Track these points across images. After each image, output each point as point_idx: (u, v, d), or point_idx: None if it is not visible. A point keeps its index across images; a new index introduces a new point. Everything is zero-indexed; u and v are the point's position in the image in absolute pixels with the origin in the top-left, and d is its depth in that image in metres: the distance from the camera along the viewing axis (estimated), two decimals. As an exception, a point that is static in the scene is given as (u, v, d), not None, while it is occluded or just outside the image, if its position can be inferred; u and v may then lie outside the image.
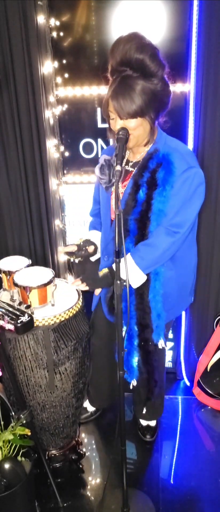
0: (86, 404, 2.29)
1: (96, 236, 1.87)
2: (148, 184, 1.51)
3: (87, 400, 2.28)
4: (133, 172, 1.62)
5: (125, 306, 1.41)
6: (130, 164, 1.66)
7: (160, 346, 1.64)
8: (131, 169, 1.65)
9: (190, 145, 2.11)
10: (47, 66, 2.08)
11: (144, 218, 1.53)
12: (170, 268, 1.64)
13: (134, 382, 1.69)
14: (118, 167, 1.34)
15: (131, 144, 1.54)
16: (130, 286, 1.57)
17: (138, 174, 1.56)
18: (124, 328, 1.45)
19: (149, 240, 1.55)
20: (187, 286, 1.81)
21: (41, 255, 2.42)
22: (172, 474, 1.98)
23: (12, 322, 1.48)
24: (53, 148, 2.24)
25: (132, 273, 1.55)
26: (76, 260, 1.75)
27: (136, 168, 1.62)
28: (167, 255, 1.58)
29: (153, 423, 2.16)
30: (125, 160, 1.64)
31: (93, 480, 1.97)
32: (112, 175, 1.57)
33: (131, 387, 1.69)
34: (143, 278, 1.58)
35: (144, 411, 2.05)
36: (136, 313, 1.63)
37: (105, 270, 1.64)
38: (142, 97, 1.42)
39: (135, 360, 1.67)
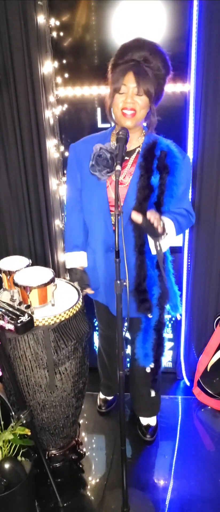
0: (103, 396, 2.37)
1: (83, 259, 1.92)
2: (159, 169, 1.61)
3: (100, 393, 2.38)
4: (138, 161, 1.67)
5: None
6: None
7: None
8: (126, 157, 1.68)
9: (190, 145, 2.11)
10: (47, 66, 2.08)
11: (160, 200, 1.64)
12: None
13: (151, 365, 1.81)
14: (118, 167, 1.35)
15: (131, 124, 1.60)
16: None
17: (147, 162, 1.62)
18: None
19: (177, 212, 1.71)
20: None
21: (41, 255, 2.42)
22: (172, 474, 1.98)
23: (12, 322, 1.48)
24: (53, 148, 2.24)
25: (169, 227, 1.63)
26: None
27: (139, 157, 1.67)
28: (181, 231, 1.74)
29: (153, 422, 2.16)
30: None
31: (93, 480, 1.97)
32: (113, 163, 1.59)
33: (148, 370, 1.83)
34: (174, 236, 1.66)
35: (153, 393, 2.04)
36: (159, 290, 1.74)
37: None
38: (153, 82, 1.58)
39: (151, 348, 1.80)
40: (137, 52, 1.56)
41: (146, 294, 1.71)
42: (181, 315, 1.87)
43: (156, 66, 1.57)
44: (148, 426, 2.15)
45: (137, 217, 1.49)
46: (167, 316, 2.48)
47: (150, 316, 1.74)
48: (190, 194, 2.06)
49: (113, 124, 1.79)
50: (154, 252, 1.63)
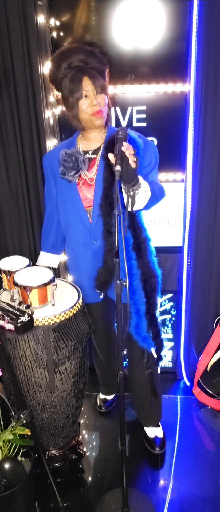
0: (103, 396, 2.37)
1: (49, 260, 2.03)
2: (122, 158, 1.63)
3: (100, 394, 2.38)
4: (101, 153, 1.75)
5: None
6: (90, 152, 1.79)
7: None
8: (93, 156, 1.78)
9: (190, 145, 2.11)
10: (47, 66, 2.08)
11: None
12: None
13: (153, 350, 1.85)
14: (118, 167, 1.35)
15: (103, 121, 1.71)
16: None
17: (109, 151, 1.59)
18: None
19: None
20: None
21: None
22: (172, 473, 1.98)
23: (12, 322, 1.48)
24: (53, 148, 2.24)
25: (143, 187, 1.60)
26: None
27: (102, 149, 1.75)
28: (156, 197, 1.72)
29: (160, 433, 2.12)
30: (81, 151, 1.79)
31: (93, 480, 1.97)
32: (79, 165, 1.71)
33: (154, 355, 1.88)
34: (148, 193, 1.62)
35: (159, 370, 2.07)
36: (142, 281, 1.75)
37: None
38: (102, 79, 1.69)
39: (146, 331, 1.80)
40: (73, 57, 1.65)
41: (107, 275, 1.74)
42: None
43: (95, 65, 1.67)
44: (156, 438, 2.10)
45: (111, 156, 1.47)
46: (167, 316, 2.50)
47: (100, 296, 1.88)
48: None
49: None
50: (128, 205, 1.58)
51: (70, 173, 1.72)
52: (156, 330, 1.84)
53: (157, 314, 1.84)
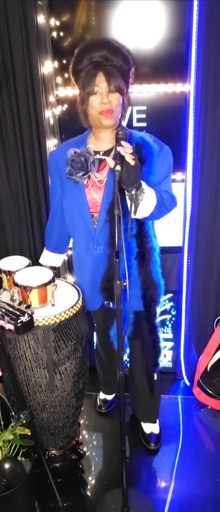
0: (103, 396, 2.37)
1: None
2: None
3: (100, 393, 2.38)
4: (113, 156, 1.65)
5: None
6: (101, 153, 1.72)
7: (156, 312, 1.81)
8: (104, 157, 1.70)
9: (190, 145, 2.11)
10: (47, 66, 2.08)
11: None
12: None
13: (126, 356, 1.83)
14: (117, 167, 1.35)
15: (112, 122, 1.64)
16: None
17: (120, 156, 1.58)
18: None
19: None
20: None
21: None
22: (172, 473, 1.98)
23: (12, 322, 1.48)
24: (53, 148, 2.24)
25: (147, 193, 1.53)
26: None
27: (114, 152, 1.66)
28: (165, 207, 1.66)
29: (156, 430, 2.14)
30: (92, 151, 1.73)
31: (93, 480, 1.97)
32: (88, 166, 1.64)
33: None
34: (154, 201, 1.56)
35: (155, 377, 2.04)
36: (142, 289, 1.72)
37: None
38: (121, 78, 1.63)
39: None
40: (96, 52, 1.60)
41: (110, 283, 1.66)
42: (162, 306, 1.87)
43: (117, 63, 1.61)
44: (152, 434, 2.12)
45: (109, 161, 1.44)
46: (167, 316, 2.50)
47: (111, 305, 1.76)
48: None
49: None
50: (131, 210, 1.49)
51: (78, 174, 1.65)
52: (153, 338, 1.80)
53: (156, 322, 1.80)
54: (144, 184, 1.50)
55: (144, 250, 1.68)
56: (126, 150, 1.37)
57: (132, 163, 1.38)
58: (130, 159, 1.37)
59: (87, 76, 1.60)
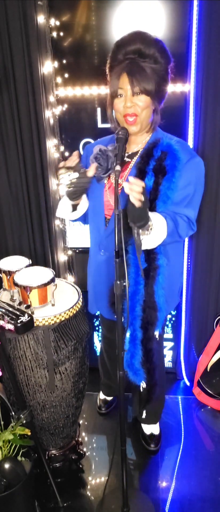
0: (103, 396, 2.37)
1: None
2: (155, 171, 1.50)
3: (101, 393, 2.37)
4: (136, 161, 1.58)
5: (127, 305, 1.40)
6: (126, 155, 1.63)
7: (156, 336, 1.64)
8: (127, 159, 1.63)
9: (190, 145, 2.11)
10: (47, 66, 2.08)
11: (152, 206, 1.50)
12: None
13: (143, 384, 1.64)
14: (118, 167, 1.33)
15: (136, 128, 1.53)
16: (134, 287, 1.56)
17: (143, 162, 1.53)
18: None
19: (171, 215, 1.51)
20: (176, 285, 1.81)
21: (41, 255, 2.42)
22: (172, 473, 1.98)
23: (12, 322, 1.48)
24: (53, 148, 2.24)
25: (158, 222, 1.44)
26: (67, 184, 1.52)
27: (137, 157, 1.59)
28: (178, 235, 1.55)
29: (156, 430, 2.13)
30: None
31: (93, 480, 1.97)
32: (108, 165, 1.52)
33: (141, 389, 1.67)
34: (163, 235, 1.46)
35: (144, 415, 2.03)
36: (142, 308, 1.58)
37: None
38: (153, 79, 1.47)
39: (140, 362, 1.62)
40: (130, 47, 1.48)
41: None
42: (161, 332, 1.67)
43: (152, 57, 1.47)
44: (152, 435, 2.11)
45: (126, 185, 1.29)
46: (167, 316, 2.50)
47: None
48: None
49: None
50: (137, 243, 1.42)
51: (100, 173, 1.54)
52: (148, 367, 1.65)
53: (153, 348, 1.64)
54: (154, 217, 1.39)
55: (149, 267, 1.55)
56: (133, 187, 1.25)
57: (137, 204, 1.27)
58: (135, 200, 1.26)
59: (113, 77, 1.51)
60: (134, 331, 1.60)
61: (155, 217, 1.42)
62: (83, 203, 1.71)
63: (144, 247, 1.44)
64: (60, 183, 1.51)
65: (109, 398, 2.37)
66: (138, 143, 1.62)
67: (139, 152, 1.61)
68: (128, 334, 1.59)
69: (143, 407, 1.99)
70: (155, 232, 1.41)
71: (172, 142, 1.53)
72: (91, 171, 1.48)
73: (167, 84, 1.56)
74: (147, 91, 1.47)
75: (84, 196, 1.68)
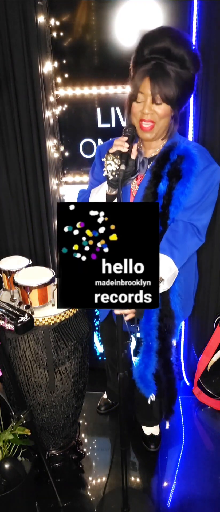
0: (106, 397, 2.37)
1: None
2: (169, 175, 1.46)
3: (105, 394, 2.38)
4: (151, 165, 1.53)
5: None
6: (145, 159, 1.58)
7: (173, 345, 1.62)
8: (141, 171, 1.58)
9: (190, 145, 2.11)
10: (47, 66, 2.08)
11: (165, 211, 1.47)
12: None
13: (152, 397, 1.63)
14: (122, 167, 1.32)
15: (151, 136, 1.47)
16: None
17: (158, 166, 1.49)
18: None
19: (175, 236, 1.47)
20: (190, 289, 1.79)
21: (41, 255, 2.42)
22: (172, 473, 1.98)
23: (12, 322, 1.48)
24: (53, 148, 2.24)
25: (166, 269, 1.43)
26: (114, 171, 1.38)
27: (153, 161, 1.53)
28: (190, 253, 1.53)
29: (156, 431, 2.13)
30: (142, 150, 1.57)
31: (94, 480, 1.97)
32: (136, 166, 1.45)
33: (149, 402, 1.65)
34: (176, 272, 1.47)
35: (167, 425, 2.03)
36: (158, 317, 1.55)
37: None
38: (176, 87, 1.40)
39: (153, 373, 1.61)
40: (157, 44, 1.38)
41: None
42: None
43: (180, 60, 1.38)
44: (152, 436, 2.11)
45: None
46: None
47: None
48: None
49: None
50: (170, 285, 1.47)
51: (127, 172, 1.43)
52: (168, 377, 1.64)
53: (171, 358, 1.63)
54: (162, 268, 1.39)
55: None
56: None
57: (128, 317, 1.44)
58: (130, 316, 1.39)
59: (135, 78, 1.42)
60: (150, 342, 1.57)
61: (163, 266, 1.39)
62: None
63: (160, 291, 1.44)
64: (108, 170, 1.39)
65: (111, 401, 2.37)
66: (154, 148, 1.56)
67: (155, 157, 1.55)
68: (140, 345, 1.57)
69: (165, 417, 1.93)
70: (166, 281, 1.42)
71: (189, 147, 1.48)
72: (134, 154, 1.40)
73: (192, 91, 1.49)
74: (168, 100, 1.40)
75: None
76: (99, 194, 1.52)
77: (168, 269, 1.43)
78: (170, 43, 1.37)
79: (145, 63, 1.40)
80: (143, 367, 1.60)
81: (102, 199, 1.51)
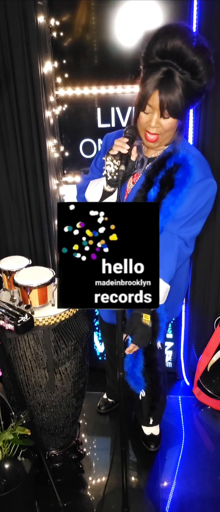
0: (105, 396, 2.38)
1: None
2: (162, 183, 1.44)
3: (105, 394, 2.38)
4: (147, 168, 1.52)
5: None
6: (146, 159, 1.55)
7: (158, 347, 1.61)
8: (139, 169, 1.54)
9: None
10: (47, 66, 2.08)
11: None
12: None
13: (142, 393, 1.65)
14: (122, 167, 1.32)
15: (154, 146, 1.46)
16: None
17: (152, 171, 1.48)
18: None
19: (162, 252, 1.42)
20: (181, 292, 1.79)
21: (41, 255, 2.42)
22: (172, 473, 1.98)
23: (12, 322, 1.48)
24: (53, 148, 2.24)
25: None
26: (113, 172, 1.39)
27: (149, 165, 1.52)
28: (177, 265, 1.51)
29: (156, 431, 2.14)
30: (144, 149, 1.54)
31: (94, 480, 1.97)
32: (134, 164, 1.43)
33: (140, 397, 1.66)
34: (167, 288, 1.48)
35: (151, 421, 2.03)
36: None
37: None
38: (185, 99, 1.36)
39: (141, 371, 1.63)
40: (170, 44, 1.30)
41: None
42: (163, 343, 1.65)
43: (193, 66, 1.31)
44: (152, 436, 2.12)
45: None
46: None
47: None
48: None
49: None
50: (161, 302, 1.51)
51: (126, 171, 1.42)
52: (152, 377, 1.67)
53: (155, 358, 1.66)
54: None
55: None
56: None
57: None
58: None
59: (144, 87, 1.37)
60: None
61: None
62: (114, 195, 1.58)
63: None
64: (107, 170, 1.39)
65: (111, 400, 2.37)
66: (156, 150, 1.54)
67: (155, 158, 1.53)
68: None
69: (148, 415, 1.99)
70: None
71: (188, 156, 1.44)
72: (134, 156, 1.39)
73: (201, 98, 1.45)
74: (176, 114, 1.37)
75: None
76: (97, 188, 1.51)
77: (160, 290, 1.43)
78: (185, 47, 1.29)
79: (155, 69, 1.34)
80: (131, 365, 1.62)
81: (99, 193, 1.50)
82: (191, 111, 2.05)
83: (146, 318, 1.44)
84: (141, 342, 1.46)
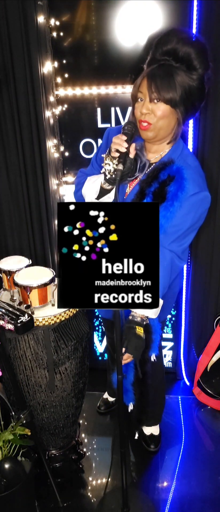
0: (106, 396, 2.37)
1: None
2: (154, 195, 1.43)
3: (106, 393, 2.38)
4: (142, 177, 1.51)
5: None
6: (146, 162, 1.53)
7: (152, 359, 1.58)
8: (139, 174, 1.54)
9: (190, 145, 2.11)
10: (47, 66, 2.08)
11: None
12: None
13: (130, 406, 1.63)
14: (120, 167, 1.31)
15: (150, 134, 1.44)
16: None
17: (146, 182, 1.47)
18: None
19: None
20: (174, 296, 1.78)
21: (41, 255, 2.42)
22: (172, 473, 1.98)
23: (12, 322, 1.48)
24: (53, 148, 2.24)
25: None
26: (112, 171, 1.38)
27: (144, 174, 1.50)
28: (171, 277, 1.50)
29: (156, 431, 2.14)
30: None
31: (94, 480, 1.97)
32: (135, 167, 1.41)
33: (129, 410, 1.64)
34: (160, 303, 1.48)
35: (136, 436, 2.03)
36: None
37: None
38: (179, 88, 1.37)
39: (131, 383, 1.61)
40: (165, 46, 1.37)
41: None
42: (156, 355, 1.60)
43: (186, 60, 1.35)
44: (152, 436, 2.12)
45: None
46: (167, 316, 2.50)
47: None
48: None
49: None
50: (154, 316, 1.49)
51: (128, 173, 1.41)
52: (142, 390, 1.65)
53: (146, 371, 1.64)
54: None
55: None
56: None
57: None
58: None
59: (137, 80, 1.43)
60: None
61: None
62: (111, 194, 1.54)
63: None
64: (105, 168, 1.39)
65: (111, 400, 2.37)
66: (154, 152, 1.53)
67: (153, 165, 1.51)
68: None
69: (135, 428, 2.02)
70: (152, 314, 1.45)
71: (183, 167, 1.42)
72: (132, 153, 1.37)
73: (201, 93, 1.43)
74: (166, 100, 1.36)
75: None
76: (95, 185, 1.50)
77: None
78: (177, 43, 1.35)
79: (152, 65, 1.40)
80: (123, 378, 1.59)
81: (97, 190, 1.49)
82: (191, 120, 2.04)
83: (140, 330, 1.44)
84: (135, 352, 1.45)
